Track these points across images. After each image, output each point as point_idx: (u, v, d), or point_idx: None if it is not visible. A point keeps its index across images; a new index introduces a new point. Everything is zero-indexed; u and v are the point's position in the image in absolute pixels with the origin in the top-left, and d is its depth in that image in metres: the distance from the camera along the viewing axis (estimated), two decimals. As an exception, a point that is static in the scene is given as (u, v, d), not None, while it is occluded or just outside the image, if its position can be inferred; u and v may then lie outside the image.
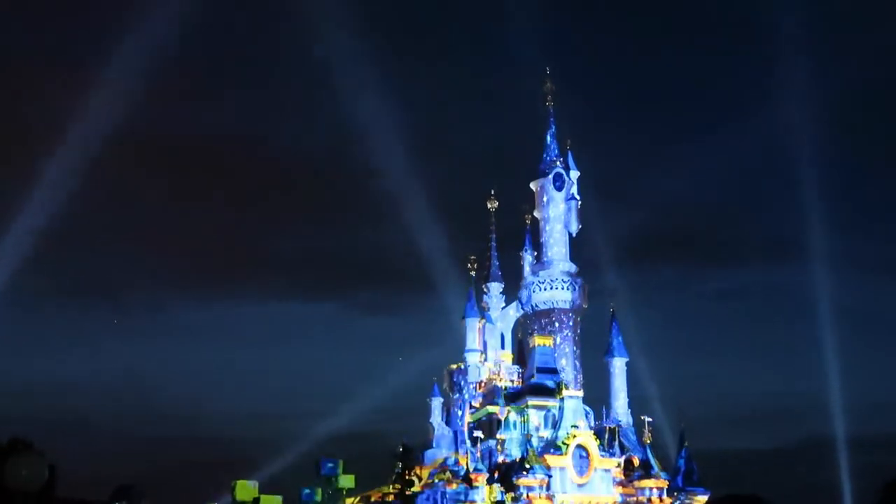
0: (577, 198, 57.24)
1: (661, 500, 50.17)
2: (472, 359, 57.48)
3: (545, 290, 55.46)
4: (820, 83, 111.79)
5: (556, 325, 55.11)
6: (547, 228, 57.11)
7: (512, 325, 60.31)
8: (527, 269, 58.96)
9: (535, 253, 58.73)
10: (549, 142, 58.23)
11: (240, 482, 57.62)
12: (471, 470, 48.65)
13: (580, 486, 49.67)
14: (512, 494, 48.21)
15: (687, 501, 51.27)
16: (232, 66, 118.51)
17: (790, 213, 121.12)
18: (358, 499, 57.71)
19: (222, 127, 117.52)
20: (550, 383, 52.21)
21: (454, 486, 48.83)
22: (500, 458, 51.39)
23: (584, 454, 50.12)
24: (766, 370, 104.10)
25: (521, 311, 58.60)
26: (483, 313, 58.99)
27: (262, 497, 57.45)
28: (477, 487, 48.25)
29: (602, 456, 50.52)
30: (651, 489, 50.22)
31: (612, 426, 53.05)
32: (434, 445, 57.05)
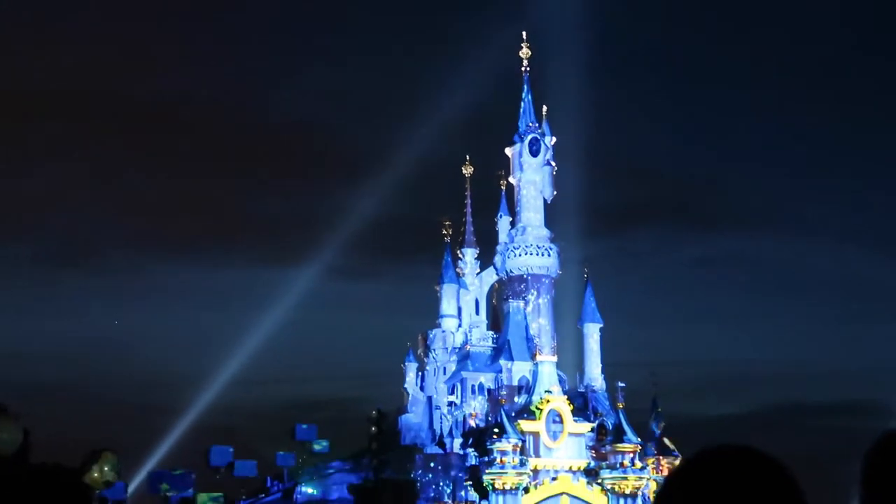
0: (553, 164, 57.03)
1: (634, 465, 50.50)
2: (447, 324, 57.55)
3: (520, 255, 55.38)
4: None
5: (531, 290, 55.11)
6: (522, 194, 56.89)
7: (486, 291, 60.37)
8: (502, 234, 58.89)
9: (511, 219, 58.63)
10: (525, 107, 57.93)
11: (214, 447, 57.69)
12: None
13: (553, 450, 49.99)
14: (485, 459, 48.46)
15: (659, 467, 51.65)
16: (211, 31, 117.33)
17: (768, 183, 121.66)
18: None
19: (202, 91, 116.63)
20: (524, 348, 52.44)
21: None
22: (474, 423, 51.63)
23: (557, 419, 50.39)
24: (740, 336, 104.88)
25: (496, 277, 58.62)
26: (458, 279, 59.02)
27: (237, 462, 57.57)
28: None
29: (575, 421, 50.81)
30: (623, 454, 50.57)
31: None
32: (408, 411, 57.24)
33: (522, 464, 48.43)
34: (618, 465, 50.36)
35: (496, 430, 48.73)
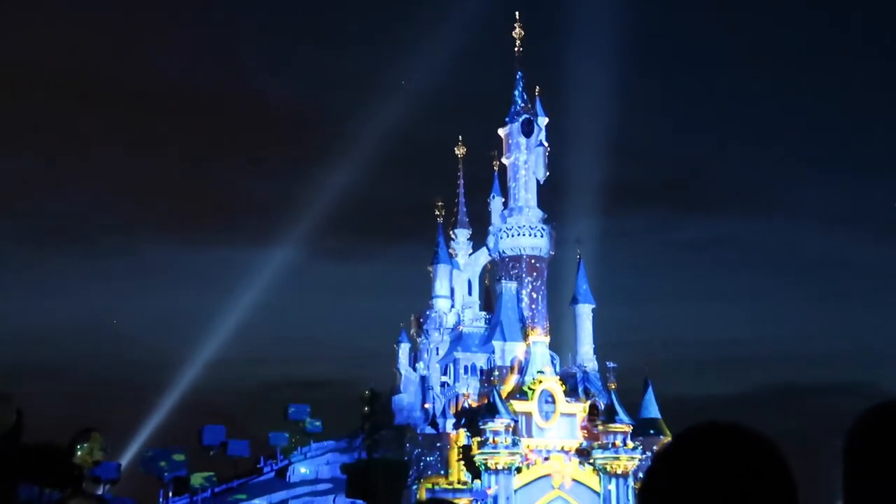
0: (546, 145, 57.02)
1: (625, 445, 50.71)
2: (440, 305, 57.56)
3: (513, 236, 55.45)
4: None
5: (524, 271, 55.19)
6: (515, 175, 56.92)
7: (479, 272, 60.40)
8: (495, 215, 58.90)
9: (504, 199, 58.63)
10: (518, 88, 57.86)
11: (207, 426, 57.70)
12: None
13: (545, 430, 50.17)
14: (478, 439, 48.62)
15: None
16: (200, 13, 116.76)
17: (763, 165, 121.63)
18: None
19: (195, 72, 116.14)
20: (516, 329, 52.55)
21: None
22: (467, 403, 51.77)
23: (549, 399, 50.56)
24: (733, 318, 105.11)
25: (489, 258, 58.65)
26: (451, 259, 59.01)
27: (230, 441, 57.60)
28: None
29: (567, 401, 50.96)
30: (615, 434, 50.78)
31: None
32: (401, 391, 57.30)
33: (515, 444, 48.62)
34: (610, 445, 50.59)
35: (489, 410, 48.89)
